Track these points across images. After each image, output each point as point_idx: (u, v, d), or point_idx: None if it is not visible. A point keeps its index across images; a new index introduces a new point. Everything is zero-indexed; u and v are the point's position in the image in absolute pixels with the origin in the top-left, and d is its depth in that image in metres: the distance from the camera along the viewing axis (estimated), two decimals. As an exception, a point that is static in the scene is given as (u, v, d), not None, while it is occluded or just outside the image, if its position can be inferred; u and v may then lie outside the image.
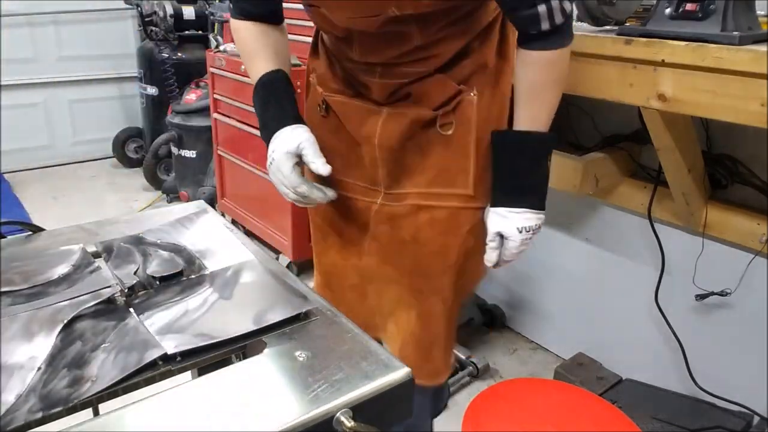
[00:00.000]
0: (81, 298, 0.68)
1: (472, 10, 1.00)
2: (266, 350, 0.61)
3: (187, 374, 0.63)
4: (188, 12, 3.66)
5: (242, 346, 0.64)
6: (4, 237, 0.88)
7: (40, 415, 0.52)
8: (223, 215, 2.36)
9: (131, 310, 0.68)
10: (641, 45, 1.31)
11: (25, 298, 0.69)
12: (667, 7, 1.31)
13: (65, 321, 0.63)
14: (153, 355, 0.58)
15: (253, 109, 1.11)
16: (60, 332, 0.62)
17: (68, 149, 4.34)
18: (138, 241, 0.84)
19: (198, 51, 3.66)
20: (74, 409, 0.54)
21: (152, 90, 3.73)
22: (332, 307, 0.70)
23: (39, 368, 0.57)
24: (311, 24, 1.14)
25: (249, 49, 1.10)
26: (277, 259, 2.85)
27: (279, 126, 1.03)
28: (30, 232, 0.89)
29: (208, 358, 0.62)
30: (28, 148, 4.16)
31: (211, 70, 3.03)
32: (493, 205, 1.04)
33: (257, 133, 1.11)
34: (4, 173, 3.96)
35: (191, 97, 3.36)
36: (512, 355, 2.25)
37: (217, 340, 0.62)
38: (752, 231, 1.58)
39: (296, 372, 0.57)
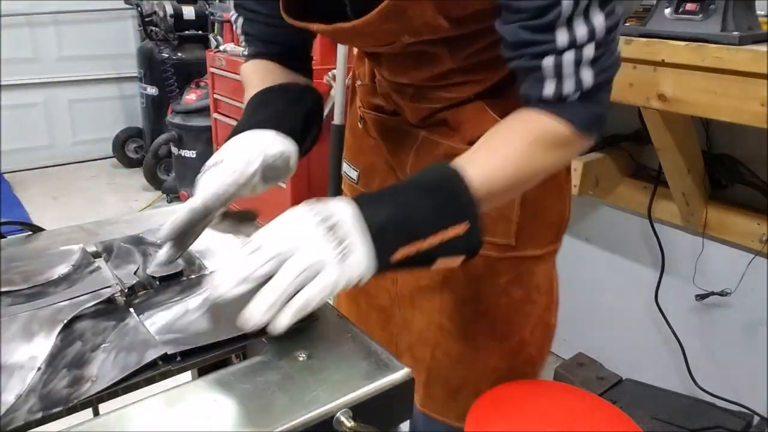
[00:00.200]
0: (81, 298, 0.68)
1: None
2: (266, 350, 0.61)
3: (187, 374, 0.63)
4: (188, 12, 3.66)
5: (242, 346, 0.64)
6: (4, 237, 0.88)
7: (40, 415, 0.51)
8: (223, 215, 2.36)
9: (131, 310, 0.68)
10: (641, 45, 1.31)
11: (25, 298, 0.69)
12: (667, 7, 1.32)
13: (65, 321, 0.63)
14: (153, 355, 0.58)
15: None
16: (60, 332, 0.62)
17: (68, 149, 4.34)
18: (138, 241, 0.84)
19: (198, 51, 3.66)
20: (74, 409, 0.53)
21: (152, 90, 3.74)
22: (333, 306, 0.70)
23: (39, 368, 0.57)
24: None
25: (251, 82, 0.88)
26: (277, 259, 2.84)
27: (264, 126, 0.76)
28: (30, 232, 0.89)
29: (208, 358, 0.62)
30: (28, 148, 4.16)
31: (211, 70, 3.03)
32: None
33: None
34: (4, 173, 3.96)
35: (191, 97, 3.37)
36: (512, 355, 2.25)
37: (217, 340, 0.62)
38: (752, 231, 1.58)
39: (296, 372, 0.56)
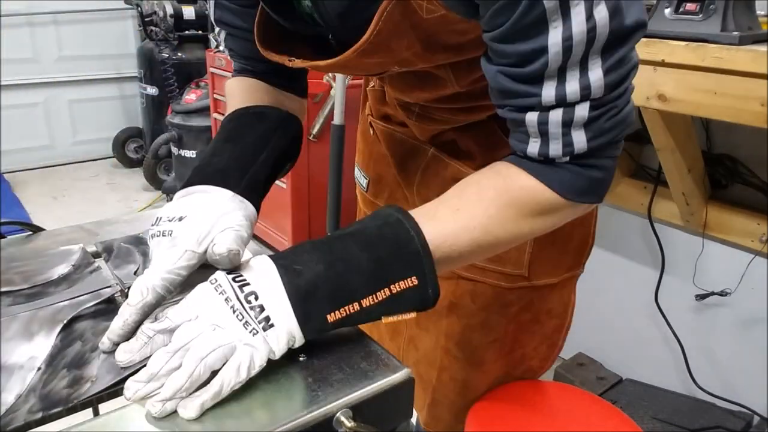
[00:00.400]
0: (81, 298, 0.68)
1: None
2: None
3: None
4: (188, 12, 3.66)
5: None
6: (4, 237, 0.88)
7: (40, 415, 0.51)
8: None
9: (131, 310, 0.68)
10: (641, 45, 1.31)
11: (25, 298, 0.69)
12: (667, 7, 1.31)
13: (65, 321, 0.63)
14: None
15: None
16: (60, 332, 0.62)
17: (68, 149, 4.34)
18: (138, 241, 0.84)
19: (198, 51, 3.66)
20: (74, 409, 0.53)
21: (152, 90, 3.74)
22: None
23: (39, 368, 0.57)
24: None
25: (230, 104, 0.82)
26: (277, 259, 2.83)
27: (236, 180, 0.67)
28: (30, 232, 0.89)
29: (208, 358, 0.62)
30: (28, 148, 4.16)
31: (211, 70, 3.03)
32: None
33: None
34: (4, 173, 3.96)
35: (191, 97, 3.37)
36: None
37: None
38: (752, 231, 1.58)
39: (296, 372, 0.56)
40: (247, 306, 0.54)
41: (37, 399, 0.53)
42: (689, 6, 1.28)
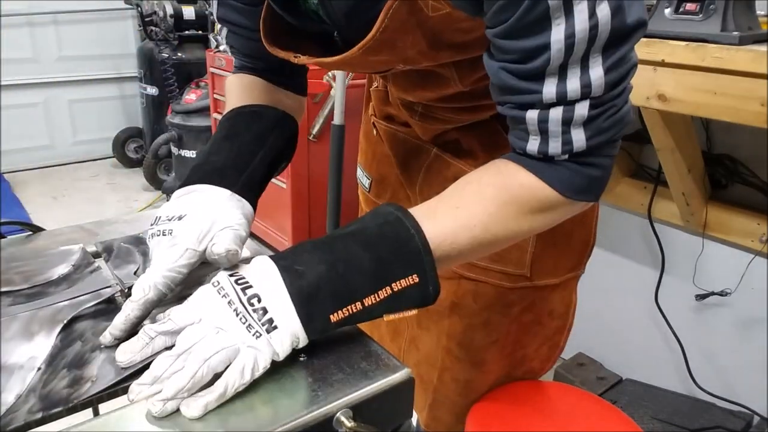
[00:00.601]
0: (81, 298, 0.68)
1: None
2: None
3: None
4: (188, 12, 3.66)
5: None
6: (4, 237, 0.88)
7: (40, 415, 0.51)
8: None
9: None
10: (641, 45, 1.31)
11: (25, 298, 0.69)
12: (667, 7, 1.31)
13: (65, 321, 0.63)
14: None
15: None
16: (60, 332, 0.62)
17: (68, 149, 4.34)
18: (138, 241, 0.84)
19: (198, 51, 3.66)
20: (74, 409, 0.53)
21: (152, 90, 3.74)
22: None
23: (39, 368, 0.57)
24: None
25: (229, 101, 0.83)
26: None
27: (233, 179, 0.69)
28: (30, 232, 0.89)
29: (208, 358, 0.62)
30: (28, 148, 4.16)
31: (211, 70, 3.03)
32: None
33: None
34: (4, 173, 3.96)
35: (191, 97, 3.37)
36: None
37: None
38: (752, 231, 1.58)
39: (296, 372, 0.56)
40: (250, 309, 0.54)
41: (37, 399, 0.53)
42: (689, 6, 1.28)
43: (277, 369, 0.55)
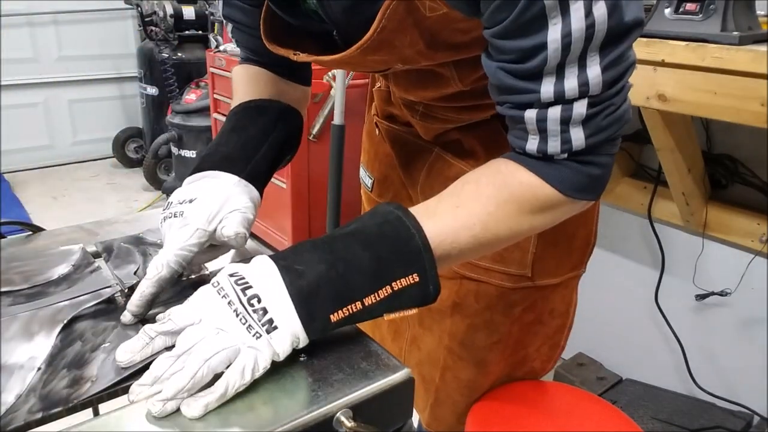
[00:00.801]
0: (81, 298, 0.68)
1: None
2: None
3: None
4: (188, 12, 3.66)
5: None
6: (4, 237, 0.88)
7: (40, 415, 0.51)
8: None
9: (131, 310, 0.68)
10: (641, 45, 1.31)
11: (25, 298, 0.69)
12: (667, 7, 1.31)
13: (65, 321, 0.63)
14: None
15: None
16: (60, 332, 0.62)
17: (68, 149, 4.34)
18: (138, 241, 0.84)
19: (198, 51, 3.66)
20: (74, 409, 0.53)
21: (152, 90, 3.74)
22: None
23: (39, 368, 0.57)
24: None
25: (236, 91, 0.87)
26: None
27: (240, 167, 0.73)
28: (30, 232, 0.89)
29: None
30: (28, 148, 4.16)
31: (211, 70, 3.03)
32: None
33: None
34: (4, 173, 3.96)
35: (191, 97, 3.37)
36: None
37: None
38: (752, 231, 1.58)
39: (296, 372, 0.56)
40: (250, 309, 0.54)
41: (37, 399, 0.53)
42: (689, 6, 1.28)
43: (277, 369, 0.55)
